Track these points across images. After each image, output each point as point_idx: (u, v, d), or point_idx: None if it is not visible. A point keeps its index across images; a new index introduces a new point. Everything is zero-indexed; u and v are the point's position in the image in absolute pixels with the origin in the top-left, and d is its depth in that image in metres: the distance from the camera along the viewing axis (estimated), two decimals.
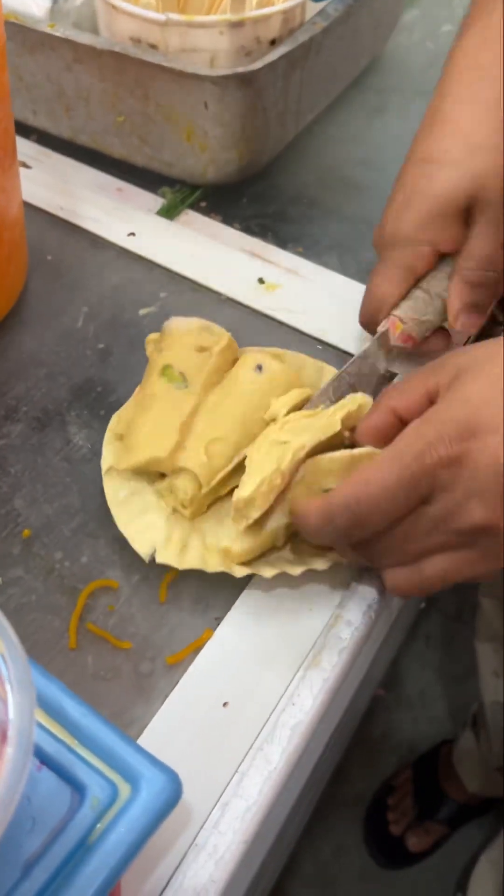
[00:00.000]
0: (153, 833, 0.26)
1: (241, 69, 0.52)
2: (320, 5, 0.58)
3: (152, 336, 0.43)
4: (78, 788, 0.26)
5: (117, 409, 0.42)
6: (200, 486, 0.38)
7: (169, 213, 0.57)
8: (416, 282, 0.43)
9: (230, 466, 0.38)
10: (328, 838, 1.17)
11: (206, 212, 0.59)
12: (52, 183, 0.58)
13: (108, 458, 0.40)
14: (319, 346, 0.49)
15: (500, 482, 0.29)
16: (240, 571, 0.36)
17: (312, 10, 0.59)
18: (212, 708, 0.34)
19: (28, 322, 0.49)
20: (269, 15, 0.53)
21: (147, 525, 0.38)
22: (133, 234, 0.55)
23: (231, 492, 0.38)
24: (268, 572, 0.36)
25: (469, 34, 0.43)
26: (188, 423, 0.39)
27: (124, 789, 0.27)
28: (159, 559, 0.37)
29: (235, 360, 0.42)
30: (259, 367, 0.41)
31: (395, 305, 0.43)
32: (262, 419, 0.39)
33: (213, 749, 0.33)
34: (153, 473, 0.40)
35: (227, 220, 0.58)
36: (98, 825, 0.26)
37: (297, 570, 0.36)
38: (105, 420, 0.43)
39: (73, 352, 0.48)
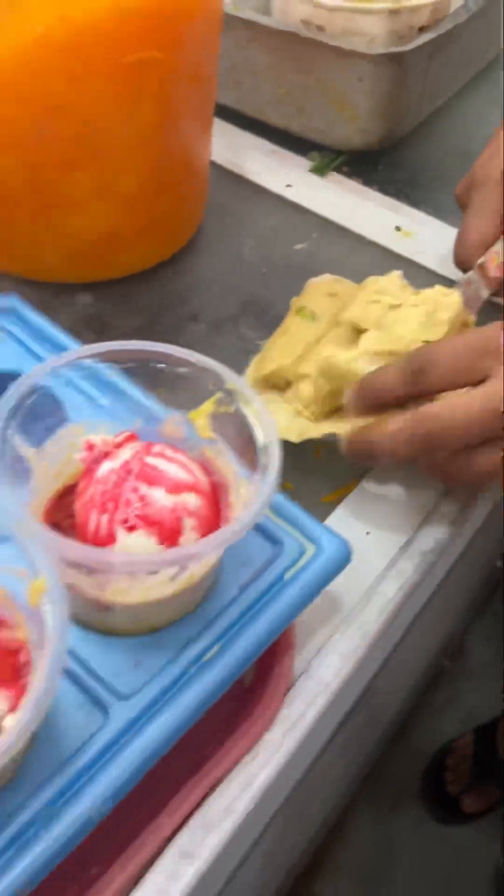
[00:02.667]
0: (328, 583, 0.36)
1: (394, 49, 0.61)
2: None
3: (295, 297, 0.51)
4: (276, 544, 0.36)
5: (277, 321, 0.51)
6: (318, 388, 0.46)
7: (319, 171, 0.67)
8: None
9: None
10: (387, 789, 1.24)
11: (348, 175, 0.69)
12: (221, 142, 0.68)
13: (249, 373, 0.49)
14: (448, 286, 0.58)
15: None
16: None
17: (456, 3, 0.68)
18: (357, 534, 0.43)
19: (204, 250, 0.59)
20: (421, 5, 0.62)
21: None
22: (290, 185, 0.65)
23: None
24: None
25: None
26: (313, 345, 0.48)
27: (310, 549, 0.36)
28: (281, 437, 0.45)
29: None
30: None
31: (491, 244, 0.51)
32: None
33: (359, 561, 0.42)
34: (283, 385, 0.48)
35: (366, 183, 0.68)
36: (291, 569, 0.35)
37: None
38: (266, 326, 0.52)
39: (240, 275, 0.58)
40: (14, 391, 0.32)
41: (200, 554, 0.28)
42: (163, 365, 0.35)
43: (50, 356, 0.43)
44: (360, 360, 0.42)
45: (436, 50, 0.65)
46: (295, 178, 0.66)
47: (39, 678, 0.25)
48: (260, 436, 0.32)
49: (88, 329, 0.53)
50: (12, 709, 0.27)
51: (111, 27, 0.42)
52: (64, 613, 0.26)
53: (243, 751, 0.35)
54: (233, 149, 0.68)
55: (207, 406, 0.34)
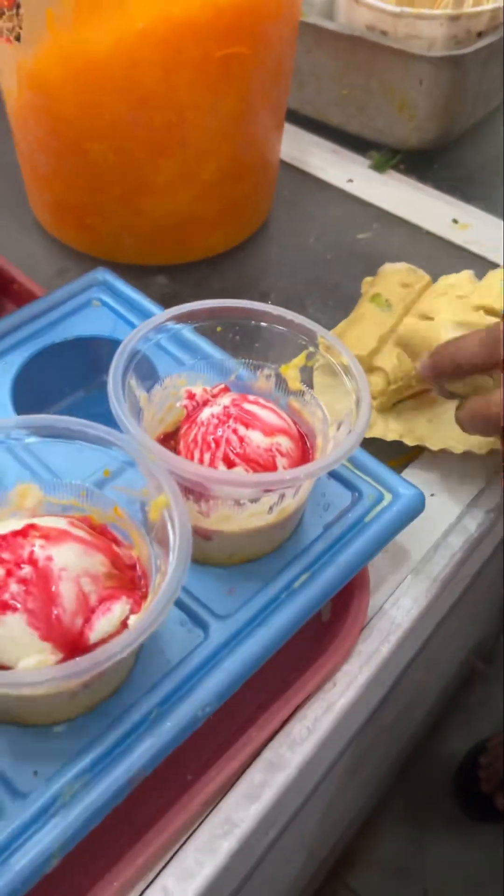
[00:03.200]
0: (404, 527, 0.39)
1: (454, 52, 0.65)
2: None
3: (367, 279, 0.55)
4: (356, 491, 0.39)
5: (342, 302, 0.55)
6: (389, 382, 0.49)
7: (379, 167, 0.71)
8: None
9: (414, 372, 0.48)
10: (420, 785, 1.25)
11: (404, 172, 0.72)
12: (285, 140, 0.72)
13: None
14: None
15: None
16: (411, 441, 0.47)
17: None
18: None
19: (273, 237, 0.63)
20: (480, 12, 0.66)
21: None
22: (351, 180, 0.69)
23: (413, 396, 0.48)
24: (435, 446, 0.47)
25: None
26: (386, 336, 0.51)
27: (387, 496, 0.39)
28: None
29: None
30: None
31: None
32: None
33: (424, 518, 0.44)
34: None
35: (421, 180, 0.71)
36: (370, 513, 0.38)
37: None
38: (332, 308, 0.56)
39: (307, 259, 0.61)
40: (123, 348, 0.35)
41: (298, 479, 0.31)
42: (259, 322, 0.38)
43: (138, 321, 0.47)
44: (441, 329, 0.45)
45: (492, 54, 0.69)
46: (355, 173, 0.70)
47: (166, 584, 0.28)
48: (349, 385, 0.35)
49: (165, 307, 0.57)
50: (133, 612, 0.31)
51: (206, 23, 0.46)
52: (186, 523, 0.30)
53: (322, 679, 0.38)
54: (296, 146, 0.72)
55: (299, 360, 0.38)
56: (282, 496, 0.33)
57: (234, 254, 0.61)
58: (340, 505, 0.39)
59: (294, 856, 0.63)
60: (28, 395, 0.44)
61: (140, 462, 0.32)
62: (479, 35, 0.68)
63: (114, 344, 0.46)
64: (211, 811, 0.34)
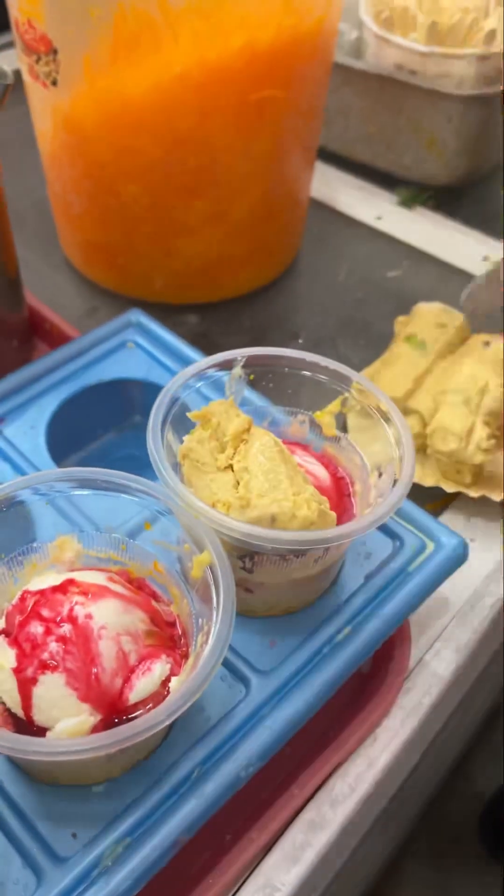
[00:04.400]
0: (448, 576, 0.38)
1: (483, 90, 0.65)
2: None
3: (401, 318, 0.54)
4: (397, 539, 0.38)
5: (374, 340, 0.54)
6: (425, 424, 0.48)
7: (407, 204, 0.71)
8: None
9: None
10: (446, 826, 1.22)
11: (433, 209, 0.72)
12: (314, 177, 0.72)
13: None
14: None
15: None
16: (449, 488, 0.46)
17: None
18: None
19: (303, 274, 0.63)
20: None
21: None
22: (380, 217, 0.68)
23: None
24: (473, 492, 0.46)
25: None
26: (422, 377, 0.50)
27: (430, 545, 0.38)
28: None
29: (466, 339, 0.53)
30: (487, 344, 0.51)
31: None
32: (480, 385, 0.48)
33: (465, 565, 0.43)
34: None
35: (450, 216, 0.71)
36: (413, 563, 0.38)
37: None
38: (364, 347, 0.55)
39: (337, 297, 0.61)
40: (162, 397, 0.35)
41: (348, 536, 0.31)
42: (292, 369, 0.37)
43: (173, 364, 0.46)
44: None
45: None
46: (383, 210, 0.69)
47: (209, 648, 0.27)
48: (389, 432, 0.34)
49: (197, 346, 0.57)
50: (173, 672, 0.30)
51: (242, 68, 0.46)
52: (230, 583, 0.29)
53: (364, 735, 0.37)
54: (324, 183, 0.72)
55: (333, 406, 0.37)
56: (326, 550, 0.32)
57: (265, 292, 0.61)
58: (382, 554, 0.38)
59: None
60: (61, 436, 0.44)
61: (181, 517, 0.31)
62: None
63: (147, 386, 0.46)
64: (250, 874, 0.33)
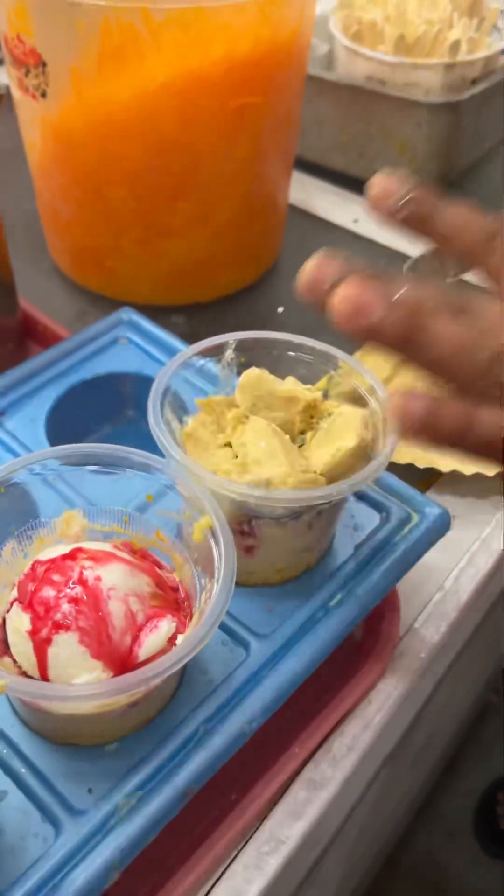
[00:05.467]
0: (432, 546, 0.40)
1: (451, 98, 0.68)
2: None
3: None
4: (384, 512, 0.41)
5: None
6: None
7: None
8: None
9: None
10: (440, 823, 1.24)
11: None
12: (291, 185, 0.75)
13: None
14: None
15: None
16: (468, 470, 0.49)
17: None
18: None
19: (285, 274, 0.65)
20: (474, 60, 0.69)
21: None
22: (357, 220, 0.71)
23: None
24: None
25: None
26: (401, 363, 0.53)
27: (415, 517, 0.40)
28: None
29: None
30: None
31: None
32: None
33: (448, 539, 0.45)
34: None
35: None
36: (399, 533, 0.40)
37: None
38: (345, 342, 0.58)
39: None
40: (158, 382, 0.37)
41: (334, 495, 0.33)
42: (280, 350, 0.40)
43: (164, 358, 0.48)
44: None
45: (485, 99, 0.72)
46: (360, 213, 0.72)
47: (214, 600, 0.29)
48: (375, 405, 0.36)
49: (184, 346, 0.59)
50: (179, 632, 0.32)
51: (222, 76, 0.49)
52: (230, 542, 0.31)
53: (359, 697, 0.39)
54: (301, 190, 0.75)
55: (321, 384, 0.39)
56: (319, 512, 0.35)
57: (248, 293, 0.63)
58: (370, 526, 0.40)
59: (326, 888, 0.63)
60: (60, 430, 0.46)
61: (181, 484, 0.33)
62: (474, 81, 0.71)
63: (141, 379, 0.48)
64: (256, 829, 0.35)
